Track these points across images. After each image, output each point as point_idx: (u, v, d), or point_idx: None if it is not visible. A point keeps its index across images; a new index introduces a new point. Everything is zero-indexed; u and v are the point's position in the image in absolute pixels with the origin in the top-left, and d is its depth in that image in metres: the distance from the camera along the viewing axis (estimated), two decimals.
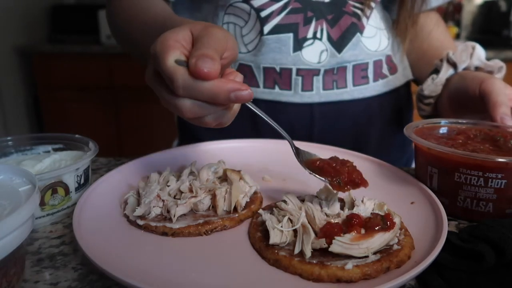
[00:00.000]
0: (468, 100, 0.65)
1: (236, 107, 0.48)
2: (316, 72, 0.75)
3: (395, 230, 0.43)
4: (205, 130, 0.84)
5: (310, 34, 0.74)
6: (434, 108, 0.76)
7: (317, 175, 0.49)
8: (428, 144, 0.53)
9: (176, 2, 0.84)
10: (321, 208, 0.47)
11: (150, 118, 2.52)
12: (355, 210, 0.46)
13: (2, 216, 0.34)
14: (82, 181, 0.54)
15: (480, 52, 0.72)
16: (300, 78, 0.75)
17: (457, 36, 2.72)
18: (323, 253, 0.41)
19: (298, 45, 0.74)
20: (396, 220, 0.44)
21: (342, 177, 0.47)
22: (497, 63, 0.71)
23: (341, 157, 0.65)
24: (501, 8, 2.60)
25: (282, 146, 0.69)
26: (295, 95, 0.76)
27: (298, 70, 0.75)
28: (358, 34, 0.76)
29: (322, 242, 0.40)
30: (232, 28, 0.77)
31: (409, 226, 0.46)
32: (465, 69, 0.72)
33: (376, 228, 0.42)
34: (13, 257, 0.35)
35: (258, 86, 0.77)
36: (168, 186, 0.52)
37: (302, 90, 0.76)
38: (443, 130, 0.61)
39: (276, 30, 0.74)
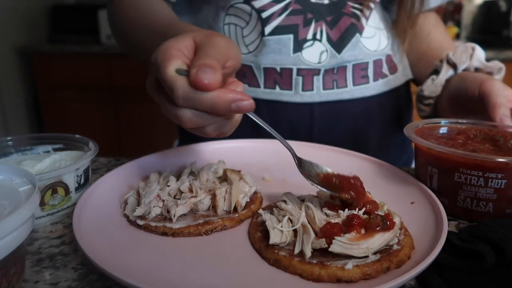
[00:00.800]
0: (468, 101, 0.65)
1: (238, 117, 0.48)
2: (316, 72, 0.75)
3: (395, 230, 0.43)
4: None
5: (310, 36, 0.75)
6: (433, 109, 0.76)
7: (321, 187, 0.49)
8: (428, 144, 0.53)
9: (176, 3, 0.84)
10: (321, 208, 0.47)
11: (150, 118, 2.52)
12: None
13: (2, 216, 0.34)
14: (82, 181, 0.54)
15: (480, 53, 0.72)
16: (300, 78, 0.76)
17: (457, 36, 2.72)
18: (323, 253, 0.41)
19: (298, 46, 0.74)
20: (396, 220, 0.44)
21: (355, 196, 0.46)
22: (496, 64, 0.72)
23: (341, 157, 0.65)
24: (501, 8, 2.60)
25: (282, 146, 0.69)
26: (296, 95, 0.77)
27: (298, 70, 0.75)
28: (358, 34, 0.76)
29: (322, 242, 0.40)
30: (233, 29, 0.77)
31: (409, 226, 0.46)
32: (465, 70, 0.72)
33: (377, 228, 0.42)
34: (13, 257, 0.35)
35: (258, 86, 0.77)
36: (168, 186, 0.52)
37: (303, 90, 0.76)
38: (443, 130, 0.61)
39: (276, 31, 0.74)
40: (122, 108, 2.63)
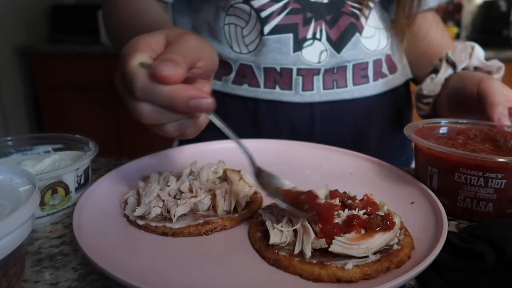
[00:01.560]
0: (466, 100, 0.65)
1: (202, 120, 0.46)
2: (316, 71, 0.76)
3: (395, 230, 0.43)
4: (205, 130, 0.84)
5: (309, 35, 0.75)
6: (433, 108, 0.76)
7: (279, 200, 0.45)
8: (428, 144, 0.53)
9: (176, 3, 0.84)
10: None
11: None
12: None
13: (2, 216, 0.34)
14: (82, 181, 0.54)
15: (479, 52, 0.72)
16: (300, 78, 0.76)
17: (457, 36, 2.72)
18: (323, 253, 0.41)
19: (298, 45, 0.74)
20: (396, 220, 0.44)
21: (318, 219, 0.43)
22: (496, 63, 0.72)
23: (341, 157, 0.65)
24: (501, 8, 2.60)
25: (282, 146, 0.70)
26: (296, 95, 0.77)
27: (298, 70, 0.75)
28: (357, 34, 0.76)
29: (322, 242, 0.40)
30: (233, 29, 0.77)
31: (409, 226, 0.46)
32: (464, 69, 0.72)
33: (377, 229, 0.42)
34: (13, 257, 0.35)
35: (258, 86, 0.77)
36: (168, 186, 0.52)
37: (303, 89, 0.76)
38: (443, 130, 0.61)
39: (276, 30, 0.74)
40: (122, 108, 2.63)
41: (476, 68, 0.72)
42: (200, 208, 0.50)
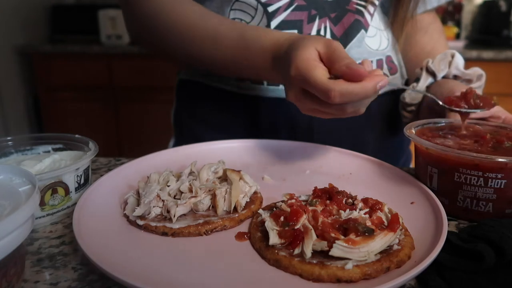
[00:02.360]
0: (440, 112, 0.67)
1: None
2: None
3: (397, 233, 0.43)
4: (202, 128, 0.84)
5: (313, 32, 0.75)
6: (416, 116, 0.76)
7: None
8: (428, 144, 0.53)
9: None
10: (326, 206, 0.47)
11: (150, 118, 2.53)
12: (354, 214, 0.45)
13: (2, 216, 0.34)
14: (82, 181, 0.54)
15: (458, 61, 0.72)
16: None
17: (457, 36, 2.72)
18: (323, 253, 0.40)
19: None
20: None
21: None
22: (476, 71, 0.72)
23: (341, 157, 0.65)
24: (501, 8, 2.60)
25: (282, 146, 0.70)
26: None
27: None
28: (363, 31, 0.76)
29: (324, 245, 0.40)
30: None
31: (409, 226, 0.46)
32: (444, 77, 0.72)
33: (376, 231, 0.42)
34: (13, 257, 0.35)
35: (262, 83, 0.77)
36: (168, 186, 0.52)
37: None
38: (443, 130, 0.61)
39: (282, 26, 0.74)
40: (122, 108, 2.63)
41: (456, 77, 0.72)
42: (200, 208, 0.50)
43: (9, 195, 0.38)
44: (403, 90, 0.87)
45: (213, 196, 0.50)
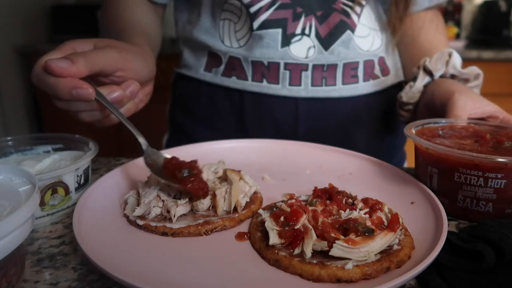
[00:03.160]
0: (437, 112, 0.67)
1: (113, 118, 0.55)
2: (304, 67, 0.76)
3: (397, 233, 0.43)
4: (194, 125, 0.86)
5: (298, 30, 0.75)
6: (413, 115, 0.76)
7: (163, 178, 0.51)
8: (428, 144, 0.53)
9: (176, 1, 0.85)
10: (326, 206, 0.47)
11: (150, 117, 2.52)
12: (354, 214, 0.45)
13: (2, 216, 0.34)
14: (82, 181, 0.54)
15: (456, 60, 0.71)
16: (288, 72, 0.76)
17: (457, 36, 2.72)
18: (323, 253, 0.40)
19: (286, 40, 0.75)
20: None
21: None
22: (473, 70, 0.71)
23: (341, 157, 0.65)
24: (501, 8, 2.60)
25: (282, 146, 0.70)
26: (283, 89, 0.77)
27: (286, 64, 0.76)
28: (349, 32, 0.76)
29: (324, 245, 0.40)
30: (227, 24, 0.78)
31: (409, 226, 0.46)
32: (442, 76, 0.72)
33: (376, 232, 0.42)
34: (13, 257, 0.35)
35: (246, 79, 0.78)
36: (168, 186, 0.52)
37: (290, 84, 0.77)
38: (443, 130, 0.61)
39: (265, 25, 0.74)
40: None
41: (453, 76, 0.72)
42: (200, 208, 0.50)
43: (9, 195, 0.38)
44: (395, 91, 0.86)
45: (213, 196, 0.50)
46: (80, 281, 0.40)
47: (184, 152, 0.67)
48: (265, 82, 0.77)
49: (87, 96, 0.49)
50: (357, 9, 0.77)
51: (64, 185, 0.51)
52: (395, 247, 0.41)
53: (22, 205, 0.34)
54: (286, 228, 0.43)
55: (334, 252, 0.39)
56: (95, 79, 0.55)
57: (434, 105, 0.67)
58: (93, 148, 0.56)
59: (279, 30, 0.74)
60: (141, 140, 0.53)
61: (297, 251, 0.41)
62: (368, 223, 0.43)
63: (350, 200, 0.48)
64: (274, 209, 0.48)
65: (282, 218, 0.44)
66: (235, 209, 0.50)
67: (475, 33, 2.84)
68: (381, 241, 0.41)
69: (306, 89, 0.77)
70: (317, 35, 0.75)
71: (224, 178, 0.56)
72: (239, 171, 0.55)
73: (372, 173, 0.61)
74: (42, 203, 0.49)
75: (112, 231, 0.46)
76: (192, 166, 0.50)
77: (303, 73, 0.76)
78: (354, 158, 0.65)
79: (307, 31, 0.75)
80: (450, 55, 0.72)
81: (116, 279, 0.36)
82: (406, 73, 0.88)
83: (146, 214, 0.48)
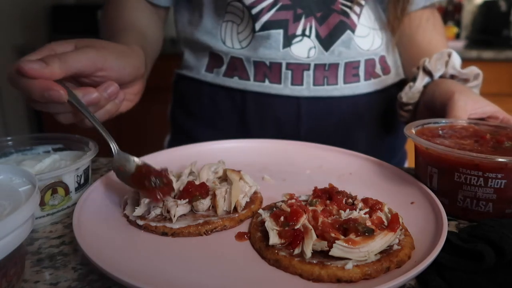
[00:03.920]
0: (437, 112, 0.67)
1: (88, 122, 0.54)
2: (306, 67, 0.76)
3: (397, 233, 0.43)
4: (195, 126, 0.86)
5: (299, 31, 0.75)
6: (413, 115, 0.76)
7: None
8: (428, 144, 0.53)
9: (176, 3, 0.85)
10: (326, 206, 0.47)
11: (150, 118, 2.52)
12: (354, 214, 0.45)
13: (2, 216, 0.34)
14: (82, 181, 0.54)
15: (455, 60, 0.72)
16: (289, 72, 0.76)
17: (457, 36, 2.72)
18: (323, 253, 0.40)
19: (288, 41, 0.75)
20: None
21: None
22: (472, 70, 0.71)
23: (341, 157, 0.65)
24: (501, 8, 2.60)
25: (282, 146, 0.70)
26: (285, 88, 0.77)
27: (287, 64, 0.76)
28: (349, 32, 0.76)
29: (324, 245, 0.40)
30: (230, 26, 0.78)
31: (409, 226, 0.46)
32: (441, 76, 0.72)
33: (376, 232, 0.42)
34: (13, 257, 0.35)
35: (248, 79, 0.78)
36: None
37: (292, 84, 0.77)
38: (443, 130, 0.61)
39: (266, 26, 0.75)
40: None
41: (453, 76, 0.72)
42: (200, 208, 0.50)
43: (9, 195, 0.38)
44: (396, 90, 0.87)
45: (213, 196, 0.50)
46: (80, 281, 0.40)
47: (185, 152, 0.67)
48: (267, 82, 0.77)
49: (59, 98, 0.49)
50: (357, 9, 0.77)
51: (64, 185, 0.51)
52: (395, 247, 0.41)
53: (22, 205, 0.34)
54: (286, 228, 0.43)
55: (334, 252, 0.39)
56: (77, 80, 0.55)
57: (434, 106, 0.67)
58: (93, 148, 0.56)
59: (281, 31, 0.75)
60: (113, 144, 0.53)
61: (297, 251, 0.41)
62: (368, 223, 0.43)
63: (350, 200, 0.48)
64: (274, 209, 0.48)
65: (282, 218, 0.44)
66: (235, 209, 0.50)
67: (475, 33, 2.84)
68: (381, 241, 0.41)
69: (308, 89, 0.77)
70: (317, 36, 0.75)
71: (224, 178, 0.56)
72: (239, 171, 0.55)
73: (372, 173, 0.61)
74: (42, 203, 0.49)
75: (112, 231, 0.46)
76: (162, 174, 0.49)
77: (305, 72, 0.76)
78: (354, 158, 0.65)
79: (307, 32, 0.75)
80: (449, 55, 0.72)
81: (116, 279, 0.36)
82: (406, 72, 0.88)
83: (146, 214, 0.48)
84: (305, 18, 0.75)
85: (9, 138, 0.59)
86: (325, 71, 0.77)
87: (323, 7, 0.75)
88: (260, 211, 0.49)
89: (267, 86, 0.78)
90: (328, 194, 0.50)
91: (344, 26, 0.76)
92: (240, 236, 0.46)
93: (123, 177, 0.51)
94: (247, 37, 0.77)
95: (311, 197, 0.50)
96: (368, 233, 0.41)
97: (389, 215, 0.45)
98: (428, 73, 0.72)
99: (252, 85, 0.78)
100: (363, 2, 0.77)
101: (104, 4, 0.83)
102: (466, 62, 0.73)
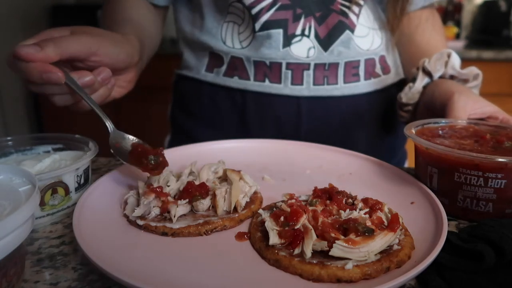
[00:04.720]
0: (437, 112, 0.67)
1: (84, 104, 0.57)
2: (306, 66, 0.76)
3: (397, 233, 0.43)
4: (195, 126, 0.86)
5: (298, 31, 0.75)
6: (413, 115, 0.76)
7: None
8: (428, 144, 0.53)
9: (175, 2, 0.85)
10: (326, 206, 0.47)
11: (151, 118, 2.52)
12: (354, 214, 0.45)
13: (2, 216, 0.34)
14: (82, 181, 0.54)
15: (454, 60, 0.72)
16: (290, 72, 0.76)
17: (457, 36, 2.72)
18: (323, 253, 0.40)
19: (287, 41, 0.75)
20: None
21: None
22: (472, 71, 0.72)
23: (341, 157, 0.65)
24: (501, 8, 2.60)
25: (282, 146, 0.70)
26: (285, 88, 0.78)
27: (287, 64, 0.76)
28: (348, 32, 0.76)
29: (324, 245, 0.40)
30: (231, 27, 0.78)
31: (409, 226, 0.46)
32: (441, 77, 0.72)
33: (376, 232, 0.42)
34: (13, 257, 0.35)
35: (248, 79, 0.78)
36: (168, 186, 0.52)
37: (292, 83, 0.77)
38: (443, 130, 0.61)
39: (266, 26, 0.75)
40: (122, 107, 2.63)
41: (452, 76, 0.72)
42: (200, 208, 0.50)
43: (9, 195, 0.38)
44: (396, 90, 0.87)
45: (213, 196, 0.50)
46: (80, 281, 0.40)
47: (185, 152, 0.67)
48: (267, 82, 0.78)
49: (57, 80, 0.51)
50: (355, 9, 0.77)
51: (64, 185, 0.51)
52: (395, 247, 0.41)
53: (22, 205, 0.34)
54: (286, 228, 0.43)
55: (334, 252, 0.39)
56: (72, 64, 0.57)
57: (434, 106, 0.68)
58: (93, 148, 0.56)
59: (280, 31, 0.75)
60: (108, 123, 0.57)
61: (297, 251, 0.41)
62: (368, 223, 0.43)
63: (350, 200, 0.48)
64: (274, 209, 0.48)
65: (282, 218, 0.44)
66: (235, 209, 0.50)
67: (475, 33, 2.84)
68: (381, 241, 0.41)
69: (308, 88, 0.77)
70: (316, 36, 0.76)
71: (224, 178, 0.56)
72: (239, 171, 0.55)
73: (372, 173, 0.61)
74: (42, 203, 0.49)
75: (112, 231, 0.46)
76: (158, 153, 0.53)
77: (305, 72, 0.76)
78: (354, 158, 0.65)
79: (306, 32, 0.75)
80: (449, 55, 0.72)
81: (116, 279, 0.36)
82: (405, 72, 0.88)
83: (146, 214, 0.48)
84: (304, 18, 0.75)
85: (9, 138, 0.59)
86: (325, 71, 0.77)
87: (322, 7, 0.75)
88: (260, 211, 0.49)
89: (267, 86, 0.78)
90: (328, 194, 0.50)
91: (343, 26, 0.76)
92: (240, 236, 0.46)
93: (119, 154, 0.54)
94: (247, 37, 0.77)
95: (311, 197, 0.50)
96: (368, 233, 0.41)
97: (389, 215, 0.45)
98: (428, 73, 0.72)
99: (252, 85, 0.78)
100: (362, 2, 0.77)
101: (103, 4, 0.83)
102: (466, 62, 0.73)
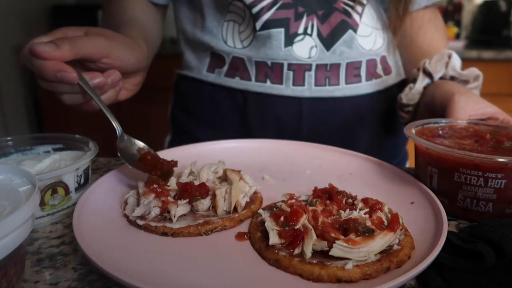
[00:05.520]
0: (437, 113, 0.67)
1: (94, 104, 0.58)
2: (307, 67, 0.76)
3: (397, 233, 0.43)
4: (196, 126, 0.86)
5: (301, 30, 0.75)
6: (413, 116, 0.76)
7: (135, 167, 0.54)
8: (428, 144, 0.53)
9: (175, 2, 0.85)
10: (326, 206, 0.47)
11: (151, 118, 2.52)
12: (354, 214, 0.45)
13: (2, 216, 0.34)
14: (82, 181, 0.54)
15: (455, 61, 0.72)
16: (291, 73, 0.76)
17: (457, 36, 2.72)
18: (323, 253, 0.40)
19: (289, 40, 0.75)
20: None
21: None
22: (472, 72, 0.71)
23: (341, 157, 0.65)
24: (501, 8, 2.60)
25: (282, 146, 0.70)
26: (286, 89, 0.77)
27: (289, 64, 0.76)
28: (351, 31, 0.76)
29: (324, 245, 0.40)
30: (231, 26, 0.78)
31: (409, 226, 0.46)
32: (441, 78, 0.72)
33: (376, 232, 0.42)
34: (13, 257, 0.35)
35: (249, 80, 0.78)
36: (168, 186, 0.52)
37: (294, 84, 0.77)
38: (443, 130, 0.61)
39: (267, 25, 0.74)
40: (122, 107, 2.63)
41: (453, 77, 0.72)
42: (200, 208, 0.50)
43: (9, 195, 0.38)
44: (397, 90, 0.87)
45: (213, 196, 0.50)
46: (80, 281, 0.40)
47: (185, 152, 0.67)
48: (268, 82, 0.77)
49: (71, 80, 0.52)
50: (359, 8, 0.77)
51: (64, 185, 0.51)
52: (395, 247, 0.41)
53: (22, 205, 0.34)
54: (286, 228, 0.43)
55: (334, 252, 0.39)
56: (83, 64, 0.57)
57: (434, 107, 0.67)
58: (93, 148, 0.56)
59: (282, 30, 0.74)
60: (116, 125, 0.58)
61: (297, 251, 0.41)
62: (368, 223, 0.43)
63: (350, 200, 0.48)
64: (274, 209, 0.48)
65: (282, 218, 0.44)
66: (235, 209, 0.50)
67: (475, 33, 2.84)
68: (381, 241, 0.41)
69: (309, 89, 0.77)
70: (319, 35, 0.75)
71: (224, 178, 0.56)
72: (239, 171, 0.55)
73: (372, 173, 0.61)
74: (42, 203, 0.49)
75: (112, 231, 0.46)
76: (171, 165, 0.54)
77: (307, 73, 0.76)
78: (354, 158, 0.65)
79: (309, 31, 0.75)
80: (449, 56, 0.72)
81: (116, 279, 0.36)
82: (406, 73, 0.88)
83: (146, 214, 0.48)
84: (307, 16, 0.75)
85: (9, 138, 0.59)
86: (327, 72, 0.77)
87: (325, 5, 0.75)
88: (260, 211, 0.49)
89: (268, 87, 0.78)
90: (328, 194, 0.50)
91: (346, 25, 0.76)
92: (240, 236, 0.46)
93: (126, 158, 0.54)
94: (248, 37, 0.77)
95: (311, 197, 0.50)
96: (368, 233, 0.41)
97: (389, 215, 0.45)
98: (428, 74, 0.72)
99: (253, 85, 0.78)
100: (365, 1, 0.77)
101: (104, 4, 0.83)
102: (466, 62, 0.73)
